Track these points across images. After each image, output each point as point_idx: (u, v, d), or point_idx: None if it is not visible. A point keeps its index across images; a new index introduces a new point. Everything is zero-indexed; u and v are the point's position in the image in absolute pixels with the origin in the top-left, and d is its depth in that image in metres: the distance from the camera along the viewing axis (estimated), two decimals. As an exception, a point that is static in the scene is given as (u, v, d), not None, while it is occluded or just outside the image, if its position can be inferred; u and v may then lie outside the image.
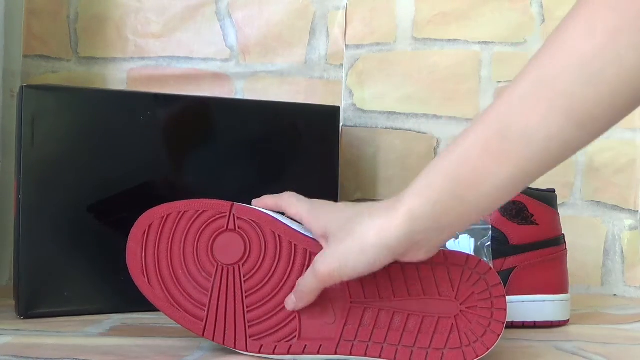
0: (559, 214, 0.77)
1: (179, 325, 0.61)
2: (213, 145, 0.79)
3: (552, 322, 0.73)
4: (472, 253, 0.71)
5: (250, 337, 0.57)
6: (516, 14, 1.00)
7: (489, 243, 0.72)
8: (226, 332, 0.57)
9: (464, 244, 0.71)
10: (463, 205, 0.49)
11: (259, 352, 0.56)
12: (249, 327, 0.57)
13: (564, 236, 0.76)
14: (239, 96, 0.99)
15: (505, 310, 0.56)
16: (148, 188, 0.76)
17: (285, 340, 0.57)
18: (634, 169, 1.00)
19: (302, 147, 0.84)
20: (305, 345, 0.56)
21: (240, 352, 0.59)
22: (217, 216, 0.60)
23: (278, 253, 0.58)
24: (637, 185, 1.00)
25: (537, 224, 0.74)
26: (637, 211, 1.00)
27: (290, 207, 0.59)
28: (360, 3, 1.00)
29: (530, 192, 0.74)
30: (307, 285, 0.55)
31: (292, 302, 0.56)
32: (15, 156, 0.72)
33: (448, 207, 0.50)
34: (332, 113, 0.87)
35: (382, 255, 0.51)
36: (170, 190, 0.77)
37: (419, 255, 0.53)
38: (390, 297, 0.56)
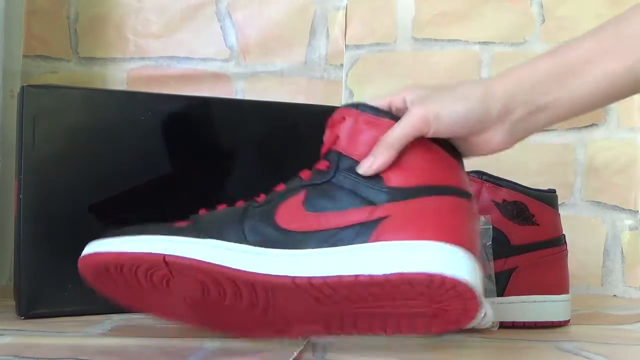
0: (559, 214, 0.77)
1: (180, 326, 0.61)
2: (213, 145, 0.79)
3: (552, 322, 0.73)
4: None
5: None
6: (516, 14, 1.00)
7: (490, 243, 0.72)
8: None
9: None
10: (564, 87, 0.53)
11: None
12: None
13: (564, 236, 0.76)
14: (239, 96, 0.99)
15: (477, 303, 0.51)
16: (148, 188, 0.76)
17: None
18: (634, 169, 1.00)
19: (302, 147, 0.83)
20: None
21: (241, 351, 0.59)
22: (155, 269, 0.54)
23: (232, 289, 0.54)
24: (637, 185, 1.00)
25: (537, 224, 0.74)
26: (637, 211, 1.00)
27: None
28: (360, 3, 1.00)
29: (530, 193, 0.74)
30: (395, 133, 0.54)
31: (368, 161, 0.54)
32: (16, 156, 0.72)
33: (549, 87, 0.53)
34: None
35: (481, 106, 0.53)
36: (170, 190, 0.76)
37: (503, 133, 0.54)
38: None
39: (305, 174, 0.58)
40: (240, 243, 0.53)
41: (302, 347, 0.61)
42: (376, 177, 0.54)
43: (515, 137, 0.56)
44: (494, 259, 0.72)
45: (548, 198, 0.76)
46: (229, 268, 0.52)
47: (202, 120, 0.78)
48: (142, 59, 0.99)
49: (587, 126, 1.01)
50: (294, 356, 0.58)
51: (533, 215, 0.73)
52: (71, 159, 0.72)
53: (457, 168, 0.56)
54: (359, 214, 0.53)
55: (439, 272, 0.48)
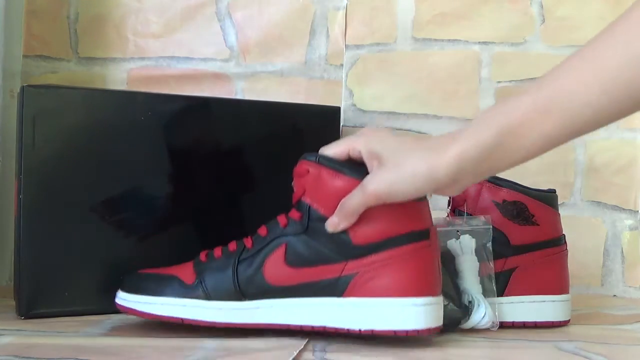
0: (559, 214, 0.77)
1: (179, 326, 0.62)
2: (213, 145, 0.79)
3: (552, 322, 0.73)
4: (473, 253, 0.71)
5: None
6: (516, 14, 1.00)
7: (490, 243, 0.72)
8: None
9: (466, 244, 0.71)
10: (505, 153, 0.57)
11: None
12: None
13: (564, 236, 0.76)
14: (239, 96, 0.99)
15: None
16: (148, 188, 0.76)
17: None
18: (634, 169, 1.00)
19: (302, 147, 0.83)
20: None
21: (241, 351, 0.59)
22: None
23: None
24: (637, 185, 1.00)
25: (537, 225, 0.74)
26: (637, 211, 1.00)
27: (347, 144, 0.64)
28: (360, 3, 1.00)
29: (531, 193, 0.74)
30: (353, 204, 0.60)
31: (333, 223, 0.62)
32: (16, 156, 0.72)
33: (492, 152, 0.57)
34: (332, 113, 0.87)
35: (428, 185, 0.58)
36: (170, 190, 0.76)
37: (453, 191, 0.60)
38: None
39: (282, 220, 0.64)
40: (240, 301, 0.63)
41: (302, 347, 0.61)
42: (344, 235, 0.61)
43: (468, 185, 0.62)
44: (494, 259, 0.72)
45: (548, 198, 0.76)
46: (234, 323, 0.64)
47: (202, 120, 0.78)
48: (142, 59, 0.99)
49: (587, 126, 1.00)
50: (293, 356, 0.58)
51: (533, 215, 0.73)
52: (71, 159, 0.72)
53: (415, 209, 0.62)
54: (332, 270, 0.62)
55: (402, 329, 0.60)
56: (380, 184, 0.59)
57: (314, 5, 1.00)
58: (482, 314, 0.69)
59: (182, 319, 0.64)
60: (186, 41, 0.99)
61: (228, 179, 0.80)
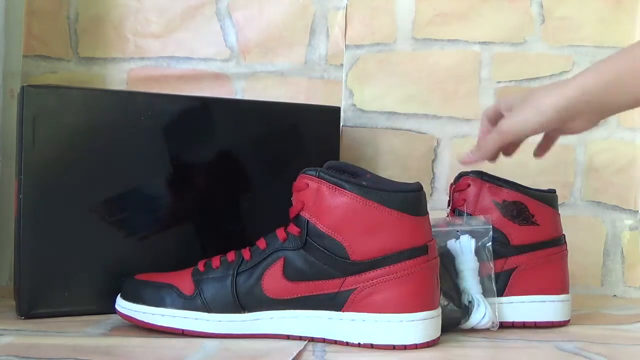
0: (559, 214, 0.77)
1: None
2: (213, 145, 0.79)
3: (552, 322, 0.73)
4: (473, 253, 0.71)
5: None
6: (516, 14, 1.00)
7: (490, 243, 0.72)
8: None
9: (465, 245, 0.71)
10: (621, 89, 0.64)
11: None
12: None
13: (564, 236, 0.76)
14: (239, 96, 0.99)
15: None
16: (148, 188, 0.76)
17: None
18: (634, 169, 1.00)
19: (302, 147, 0.84)
20: None
21: (241, 351, 0.59)
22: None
23: None
24: (637, 185, 1.00)
25: (537, 225, 0.74)
26: (637, 211, 1.00)
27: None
28: (360, 3, 1.00)
29: (531, 193, 0.74)
30: (490, 141, 0.71)
31: (468, 156, 0.73)
32: (16, 156, 0.72)
33: (610, 87, 0.64)
34: (332, 113, 0.87)
35: (554, 115, 0.66)
36: (170, 190, 0.76)
37: (579, 125, 0.67)
38: None
39: (281, 235, 0.64)
40: (239, 313, 0.64)
41: (302, 347, 0.61)
42: (342, 251, 0.61)
43: (594, 121, 0.68)
44: (494, 259, 0.72)
45: (548, 198, 0.76)
46: (234, 334, 0.64)
47: (202, 120, 0.78)
48: (142, 59, 0.99)
49: (587, 126, 1.00)
50: (293, 356, 0.58)
51: (533, 216, 0.73)
52: (71, 159, 0.72)
53: (414, 224, 0.62)
54: (330, 285, 0.62)
55: (401, 343, 0.61)
56: (511, 121, 0.69)
57: (314, 5, 1.00)
58: (482, 314, 0.69)
59: (182, 330, 0.64)
60: (186, 41, 0.99)
61: (228, 178, 0.80)
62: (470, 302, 0.69)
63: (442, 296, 0.66)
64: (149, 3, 0.99)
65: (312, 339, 0.64)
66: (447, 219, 0.75)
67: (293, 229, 0.64)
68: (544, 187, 0.78)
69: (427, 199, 0.64)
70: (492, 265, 0.71)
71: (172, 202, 0.77)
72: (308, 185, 0.63)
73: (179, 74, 0.99)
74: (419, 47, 1.00)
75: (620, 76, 0.64)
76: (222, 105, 0.81)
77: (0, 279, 0.93)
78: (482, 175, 0.75)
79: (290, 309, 0.63)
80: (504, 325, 0.72)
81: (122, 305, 0.67)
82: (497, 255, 0.72)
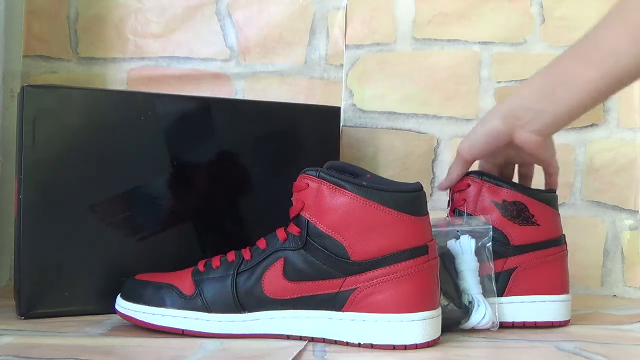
0: (559, 214, 0.77)
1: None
2: (213, 145, 0.79)
3: (552, 322, 0.73)
4: (473, 253, 0.71)
5: None
6: (516, 14, 1.00)
7: (490, 244, 0.72)
8: None
9: (465, 245, 0.71)
10: (555, 102, 0.68)
11: None
12: None
13: (564, 236, 0.76)
14: (239, 96, 0.99)
15: None
16: (148, 188, 0.76)
17: None
18: (634, 169, 1.00)
19: (302, 147, 0.84)
20: None
21: (241, 351, 0.59)
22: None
23: None
24: (637, 185, 1.00)
25: (537, 225, 0.74)
26: (637, 211, 1.00)
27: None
28: (360, 3, 1.00)
29: (531, 193, 0.74)
30: (453, 164, 0.76)
31: (441, 185, 0.77)
32: (16, 156, 0.72)
33: (545, 100, 0.69)
34: (332, 113, 0.87)
35: (497, 123, 0.71)
36: (170, 190, 0.76)
37: (524, 133, 0.71)
38: None
39: (281, 235, 0.64)
40: (240, 313, 0.64)
41: (302, 347, 0.61)
42: (342, 251, 0.61)
43: (538, 130, 0.71)
44: (494, 259, 0.72)
45: (548, 198, 0.76)
46: (234, 334, 0.64)
47: (202, 120, 0.78)
48: (142, 59, 0.99)
49: (587, 126, 1.01)
50: (293, 356, 0.58)
51: (533, 216, 0.73)
52: (71, 159, 0.72)
53: (413, 225, 0.62)
54: (331, 285, 0.62)
55: (401, 343, 0.61)
56: (464, 140, 0.75)
57: (314, 5, 1.00)
58: (482, 314, 0.69)
59: (182, 330, 0.64)
60: (186, 41, 0.99)
61: (228, 178, 0.80)
62: (470, 302, 0.69)
63: (442, 296, 0.66)
64: (149, 3, 0.99)
65: (312, 339, 0.64)
66: (447, 219, 0.75)
67: (293, 229, 0.64)
68: (544, 187, 0.78)
69: (427, 199, 0.64)
70: (492, 265, 0.71)
71: (172, 202, 0.77)
72: (308, 185, 0.63)
73: (179, 74, 0.99)
74: (419, 47, 1.00)
75: (552, 86, 0.69)
76: (222, 105, 0.81)
77: (0, 279, 0.93)
78: (481, 176, 0.75)
79: (290, 309, 0.63)
80: (504, 326, 0.72)
81: (122, 305, 0.67)
82: (497, 255, 0.72)
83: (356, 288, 0.62)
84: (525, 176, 0.80)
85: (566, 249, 0.76)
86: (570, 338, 0.69)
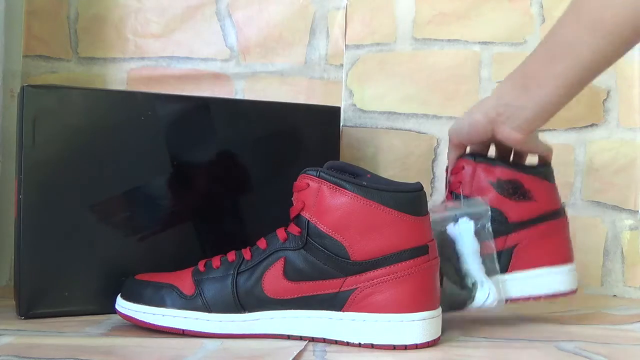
0: (555, 186, 0.76)
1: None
2: (213, 145, 0.79)
3: (558, 293, 0.72)
4: (473, 235, 0.71)
5: None
6: (516, 14, 1.00)
7: (489, 224, 0.71)
8: None
9: (464, 228, 0.71)
10: (529, 93, 0.70)
11: None
12: None
13: (563, 207, 0.75)
14: (239, 96, 0.99)
15: None
16: (148, 188, 0.76)
17: None
18: (634, 169, 1.00)
19: (302, 147, 0.84)
20: None
21: (241, 351, 0.59)
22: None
23: None
24: (637, 185, 1.00)
25: (534, 200, 0.73)
26: (637, 211, 1.00)
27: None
28: (360, 3, 1.00)
29: (524, 169, 0.74)
30: (448, 151, 0.78)
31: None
32: (16, 156, 0.72)
33: (519, 93, 0.71)
34: (332, 113, 0.87)
35: (480, 118, 0.74)
36: (170, 190, 0.76)
37: (505, 129, 0.72)
38: None
39: (281, 235, 0.64)
40: (240, 313, 0.64)
41: (302, 347, 0.61)
42: (342, 251, 0.61)
43: (520, 125, 0.71)
44: (495, 237, 0.71)
45: (543, 172, 0.75)
46: (235, 334, 0.64)
47: (202, 120, 0.78)
48: (142, 59, 0.99)
49: (586, 126, 1.01)
50: (294, 356, 0.58)
51: (529, 191, 0.73)
52: (71, 159, 0.72)
53: (414, 225, 0.62)
54: (331, 285, 0.62)
55: (401, 343, 0.61)
56: (450, 128, 0.78)
57: (314, 5, 1.00)
58: (486, 293, 0.68)
59: (183, 330, 0.64)
60: (186, 41, 0.99)
61: (228, 178, 0.80)
62: (473, 283, 0.69)
63: (445, 279, 0.66)
64: (149, 3, 0.99)
65: (312, 339, 0.64)
66: (445, 203, 0.74)
67: (293, 229, 0.64)
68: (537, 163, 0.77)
69: (427, 199, 0.64)
70: (493, 244, 0.70)
71: (172, 202, 0.77)
72: (309, 185, 0.63)
73: (179, 74, 0.99)
74: (419, 47, 1.00)
75: (526, 83, 0.71)
76: (222, 105, 0.81)
77: (0, 279, 0.93)
78: (475, 157, 0.74)
79: (290, 309, 0.63)
80: (511, 302, 0.71)
81: (122, 305, 0.67)
82: (497, 234, 0.71)
83: (356, 288, 0.62)
84: (519, 154, 0.79)
85: (567, 219, 0.75)
86: (570, 338, 0.69)
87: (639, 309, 0.89)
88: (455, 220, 0.72)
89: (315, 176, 0.63)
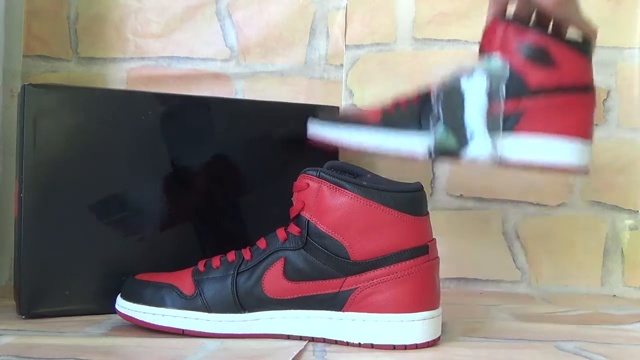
0: (590, 63, 0.69)
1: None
2: (213, 145, 0.79)
3: (562, 165, 0.67)
4: (484, 93, 0.67)
5: None
6: (516, 14, 1.00)
7: (504, 85, 0.66)
8: None
9: (478, 83, 0.67)
10: None
11: None
12: None
13: (592, 85, 0.68)
14: (239, 96, 0.99)
15: None
16: (148, 188, 0.76)
17: None
18: (634, 169, 1.00)
19: (302, 147, 0.84)
20: None
21: (241, 351, 0.59)
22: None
23: None
24: (637, 185, 1.00)
25: (559, 69, 0.66)
26: (637, 211, 1.00)
27: None
28: (360, 3, 1.00)
29: (557, 36, 0.68)
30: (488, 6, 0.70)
31: None
32: (16, 156, 0.72)
33: None
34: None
35: None
36: (170, 190, 0.76)
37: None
38: None
39: (281, 235, 0.64)
40: (240, 313, 0.64)
41: (302, 347, 0.61)
42: (342, 251, 0.62)
43: None
44: (507, 98, 0.66)
45: (577, 45, 0.68)
46: (235, 334, 0.64)
47: (202, 120, 0.78)
48: (142, 59, 0.99)
49: (587, 126, 1.00)
50: (294, 356, 0.58)
51: (556, 59, 0.67)
52: (71, 159, 0.72)
53: (414, 225, 0.62)
54: (331, 285, 0.62)
55: (401, 343, 0.61)
56: None
57: (314, 5, 1.00)
58: (481, 145, 0.66)
59: (183, 330, 0.64)
60: (186, 41, 0.99)
61: (228, 178, 0.80)
62: (471, 134, 0.66)
63: (442, 124, 0.65)
64: (149, 3, 0.99)
65: (312, 339, 0.64)
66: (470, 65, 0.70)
67: (293, 229, 0.64)
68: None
69: (427, 199, 0.64)
70: (502, 105, 0.66)
71: (172, 202, 0.77)
72: (309, 185, 0.63)
73: (179, 74, 0.99)
74: (419, 47, 1.00)
75: None
76: (222, 105, 0.81)
77: (0, 279, 0.93)
78: (508, 18, 0.69)
79: (290, 309, 0.63)
80: (509, 164, 0.67)
81: (122, 305, 0.67)
82: (511, 96, 0.66)
83: (356, 288, 0.62)
84: (558, 25, 0.70)
85: (594, 98, 0.68)
86: (570, 338, 0.69)
87: (639, 309, 0.89)
88: (471, 73, 0.68)
89: (315, 176, 0.63)
